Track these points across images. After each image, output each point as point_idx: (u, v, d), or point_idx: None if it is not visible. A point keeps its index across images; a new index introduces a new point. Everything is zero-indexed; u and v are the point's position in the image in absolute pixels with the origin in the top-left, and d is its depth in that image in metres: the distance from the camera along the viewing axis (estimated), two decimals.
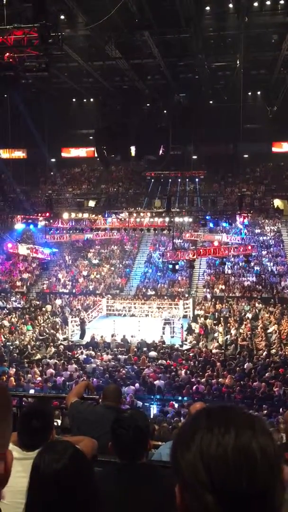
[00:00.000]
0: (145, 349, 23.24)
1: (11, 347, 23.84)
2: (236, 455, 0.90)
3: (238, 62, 28.54)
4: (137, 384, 18.50)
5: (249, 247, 29.92)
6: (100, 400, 4.46)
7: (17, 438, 2.61)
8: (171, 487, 2.47)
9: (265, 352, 22.23)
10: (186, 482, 0.93)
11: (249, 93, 35.88)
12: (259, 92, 36.98)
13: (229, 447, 0.91)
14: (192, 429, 0.95)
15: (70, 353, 22.76)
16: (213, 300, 30.32)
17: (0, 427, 0.92)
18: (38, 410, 2.94)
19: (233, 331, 25.53)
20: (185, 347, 24.36)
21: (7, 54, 12.37)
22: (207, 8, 24.25)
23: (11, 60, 12.25)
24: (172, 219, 31.63)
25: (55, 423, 4.02)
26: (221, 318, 27.47)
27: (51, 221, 30.05)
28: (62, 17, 23.10)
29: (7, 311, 29.64)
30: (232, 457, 0.90)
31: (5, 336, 25.42)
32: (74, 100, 39.03)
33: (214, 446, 0.91)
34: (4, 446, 0.94)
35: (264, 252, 34.34)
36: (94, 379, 17.88)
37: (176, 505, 0.97)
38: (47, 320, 28.34)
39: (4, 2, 13.37)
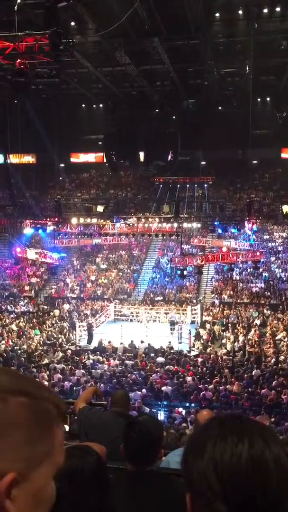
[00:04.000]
0: (152, 354, 23.18)
1: (19, 352, 23.88)
2: (249, 465, 0.89)
3: (247, 68, 28.57)
4: (144, 390, 18.44)
5: (258, 253, 29.80)
6: (108, 406, 4.45)
7: None
8: (180, 495, 2.46)
9: (273, 359, 22.09)
10: (198, 491, 0.91)
11: (258, 99, 35.90)
12: (268, 98, 37.00)
13: (242, 456, 0.89)
14: (204, 437, 0.95)
15: (77, 358, 22.76)
16: (221, 306, 30.21)
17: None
18: None
19: (241, 338, 25.40)
20: (193, 353, 24.27)
21: (19, 60, 12.48)
22: (217, 14, 24.34)
23: (22, 66, 12.36)
24: (180, 225, 31.64)
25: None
26: (229, 325, 27.35)
27: (59, 226, 30.17)
28: (73, 23, 23.30)
29: (15, 315, 29.73)
30: (245, 467, 0.89)
31: (13, 341, 25.48)
32: (83, 105, 39.25)
33: (227, 455, 0.90)
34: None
35: (272, 258, 34.20)
36: (101, 385, 17.85)
37: None
38: (55, 325, 28.37)
39: (16, 9, 13.51)
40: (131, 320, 29.52)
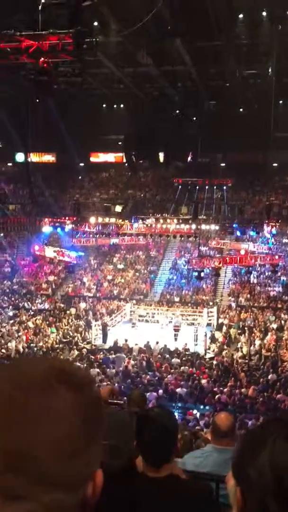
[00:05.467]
0: (167, 356, 23.13)
1: (35, 349, 24.05)
2: None
3: (269, 70, 28.33)
4: (160, 391, 18.42)
5: (276, 257, 29.54)
6: (125, 406, 4.43)
7: None
8: (200, 501, 2.41)
9: None
10: (252, 489, 0.91)
11: (280, 101, 35.54)
12: None
13: None
14: (263, 436, 0.95)
15: (93, 357, 22.83)
16: (237, 309, 30.00)
17: (92, 442, 0.79)
18: None
19: (257, 342, 25.20)
20: (208, 356, 24.15)
21: (42, 59, 12.57)
22: (240, 15, 24.17)
23: (45, 65, 12.45)
24: (198, 226, 31.51)
25: None
26: (246, 328, 27.14)
27: (78, 225, 30.32)
28: (96, 23, 23.37)
29: (32, 313, 29.95)
30: None
31: (30, 338, 25.67)
32: (104, 105, 39.35)
33: (287, 454, 0.90)
34: (94, 464, 0.80)
35: None
36: (116, 384, 17.87)
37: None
38: (71, 323, 28.51)
39: (40, 8, 13.60)
40: (147, 321, 29.50)
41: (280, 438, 0.93)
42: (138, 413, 2.73)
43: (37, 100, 30.11)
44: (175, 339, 25.61)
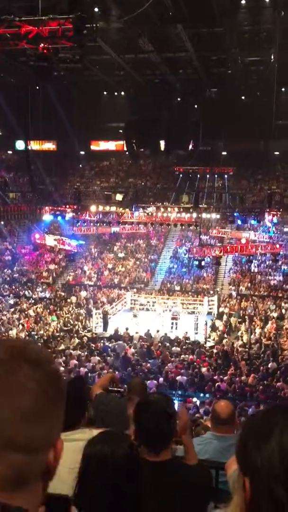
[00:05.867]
0: (168, 344, 23.21)
1: (36, 337, 24.14)
2: None
3: (272, 57, 28.03)
4: (161, 379, 18.52)
5: (277, 246, 29.51)
6: (125, 393, 4.44)
7: None
8: (200, 485, 2.42)
9: None
10: (259, 476, 0.93)
11: (283, 89, 35.23)
12: None
13: None
14: (270, 423, 0.96)
15: (93, 345, 22.92)
16: (238, 298, 30.05)
17: (53, 413, 0.91)
18: (72, 389, 2.89)
19: (257, 330, 25.27)
20: (208, 344, 24.23)
21: (42, 45, 12.44)
22: (243, 1, 23.87)
23: (45, 51, 12.32)
24: (199, 215, 31.44)
25: None
26: (246, 317, 27.21)
27: (78, 213, 30.26)
28: (96, 9, 23.10)
29: (33, 301, 30.01)
30: None
31: (31, 326, 25.76)
32: (105, 93, 39.08)
33: None
34: (55, 432, 0.92)
35: None
36: (117, 372, 17.96)
37: (245, 498, 0.97)
38: (72, 312, 28.58)
39: None
40: (148, 310, 29.56)
41: (287, 427, 0.94)
42: (138, 400, 2.74)
43: (37, 87, 30.01)
44: (172, 328, 25.48)
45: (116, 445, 1.52)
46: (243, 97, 36.01)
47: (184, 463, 2.61)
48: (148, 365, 20.28)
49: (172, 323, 25.96)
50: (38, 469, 0.89)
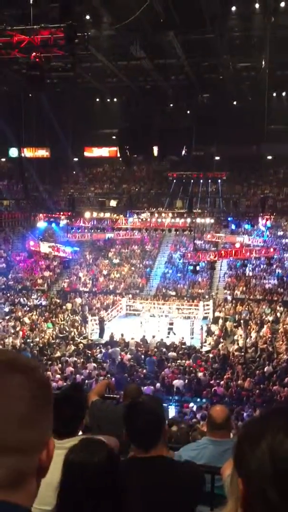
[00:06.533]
0: (164, 349, 23.20)
1: (32, 344, 24.06)
2: None
3: (263, 62, 28.26)
4: (158, 384, 18.50)
5: (271, 250, 29.62)
6: (121, 400, 4.46)
7: None
8: (188, 480, 2.46)
9: (285, 356, 21.99)
10: (252, 477, 0.95)
11: (274, 94, 35.51)
12: (284, 93, 36.55)
13: None
14: (263, 426, 0.98)
15: (89, 352, 22.87)
16: (233, 302, 30.10)
17: (44, 416, 0.98)
18: (70, 396, 2.90)
19: (253, 334, 25.31)
20: (204, 349, 24.24)
21: (34, 53, 12.49)
22: (233, 8, 24.08)
23: (37, 59, 12.36)
24: (193, 220, 31.54)
25: None
26: (242, 321, 27.25)
27: (73, 220, 30.27)
28: (88, 17, 23.24)
29: (28, 309, 29.94)
30: None
31: (26, 333, 25.68)
32: (97, 100, 39.20)
33: (286, 446, 0.93)
34: (47, 434, 1.00)
35: (286, 255, 33.89)
36: (113, 378, 17.93)
37: (241, 501, 0.99)
38: (67, 318, 28.52)
39: (31, 2, 13.51)
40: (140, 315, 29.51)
41: (280, 430, 0.95)
42: (128, 402, 2.81)
43: (30, 95, 30.09)
44: (169, 334, 25.41)
45: (94, 452, 1.53)
46: (235, 102, 36.23)
47: (173, 460, 2.67)
48: (145, 370, 20.27)
49: (169, 330, 25.92)
50: (33, 468, 0.97)
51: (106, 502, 1.45)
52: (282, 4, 23.32)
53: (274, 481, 0.91)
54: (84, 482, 1.45)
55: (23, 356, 1.05)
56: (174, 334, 25.53)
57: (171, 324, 26.25)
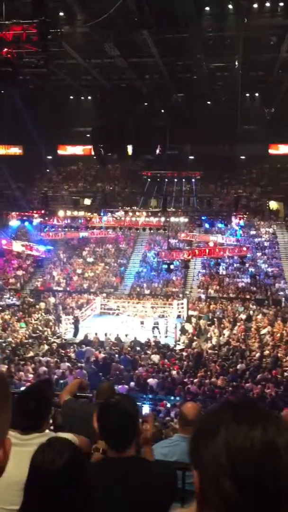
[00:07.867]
0: (138, 348, 23.20)
1: (4, 344, 23.74)
2: (262, 448, 0.94)
3: (236, 63, 28.56)
4: (132, 383, 18.49)
5: (244, 249, 29.95)
6: (94, 398, 4.44)
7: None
8: (160, 480, 2.47)
9: (258, 354, 22.26)
10: (207, 472, 0.97)
11: (247, 94, 35.91)
12: (257, 94, 36.99)
13: (255, 440, 0.95)
14: (217, 420, 1.00)
15: (63, 351, 22.70)
16: (207, 300, 30.33)
17: (1, 413, 1.00)
18: (36, 391, 2.88)
19: (226, 332, 25.56)
20: (178, 347, 24.35)
21: (5, 49, 12.30)
22: (207, 8, 24.26)
23: (9, 56, 12.18)
24: (167, 219, 31.63)
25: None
26: (215, 319, 27.49)
27: (46, 218, 29.97)
28: (61, 13, 23.05)
29: (1, 308, 29.52)
30: (258, 450, 0.94)
31: None
32: (71, 97, 38.94)
33: (241, 438, 0.95)
34: (2, 433, 1.00)
35: (259, 254, 34.40)
36: (86, 377, 17.84)
37: (195, 495, 1.01)
38: (41, 318, 28.25)
39: None
40: (117, 314, 29.50)
41: (232, 423, 0.97)
42: (101, 402, 2.79)
43: (2, 91, 29.62)
44: (153, 335, 25.31)
45: (59, 451, 1.50)
46: (208, 102, 36.49)
47: (146, 460, 2.67)
48: (121, 366, 20.23)
49: (154, 329, 25.90)
50: None
51: (71, 503, 1.43)
52: (255, 5, 23.63)
53: (230, 473, 0.93)
54: (47, 482, 1.42)
55: None
56: (160, 333, 25.54)
57: (156, 324, 26.27)
